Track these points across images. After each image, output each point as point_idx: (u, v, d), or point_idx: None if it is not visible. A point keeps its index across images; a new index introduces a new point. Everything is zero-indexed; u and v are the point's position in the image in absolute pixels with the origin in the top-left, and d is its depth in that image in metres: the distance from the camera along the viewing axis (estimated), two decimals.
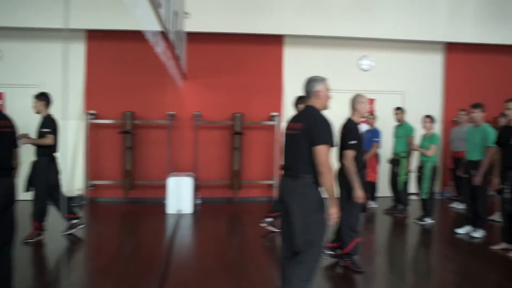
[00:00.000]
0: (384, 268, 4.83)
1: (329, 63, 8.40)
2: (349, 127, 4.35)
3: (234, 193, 8.14)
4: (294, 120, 3.27)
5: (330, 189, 3.00)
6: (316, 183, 3.03)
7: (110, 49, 7.87)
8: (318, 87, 3.22)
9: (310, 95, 3.23)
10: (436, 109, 8.74)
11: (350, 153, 4.20)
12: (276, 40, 8.27)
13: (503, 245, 5.19)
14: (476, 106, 5.83)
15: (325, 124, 3.06)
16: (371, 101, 8.65)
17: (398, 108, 7.23)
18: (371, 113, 8.07)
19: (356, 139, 4.26)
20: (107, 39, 7.78)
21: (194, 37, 7.67)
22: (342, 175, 4.30)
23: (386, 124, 7.82)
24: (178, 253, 5.11)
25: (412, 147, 6.81)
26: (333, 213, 3.02)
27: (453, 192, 8.38)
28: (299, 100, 5.13)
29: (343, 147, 4.24)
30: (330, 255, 4.57)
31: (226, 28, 7.76)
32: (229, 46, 8.18)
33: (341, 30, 8.04)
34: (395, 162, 7.15)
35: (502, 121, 7.02)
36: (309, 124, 3.06)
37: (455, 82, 8.88)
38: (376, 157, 7.58)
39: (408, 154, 7.02)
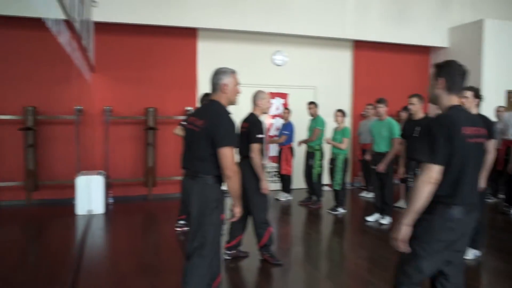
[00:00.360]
0: (300, 259, 4.94)
1: (243, 58, 8.44)
2: (254, 121, 4.37)
3: (149, 191, 7.87)
4: (196, 114, 3.06)
5: (235, 191, 2.92)
6: (217, 183, 2.92)
7: (8, 38, 7.17)
8: (226, 80, 3.00)
9: (217, 89, 3.01)
10: (346, 103, 9.16)
11: (256, 147, 4.24)
12: (189, 33, 8.10)
13: None
14: (380, 101, 6.21)
15: (229, 123, 2.88)
16: (285, 95, 8.84)
17: (311, 103, 7.44)
18: (285, 107, 8.26)
19: (262, 133, 4.31)
20: (3, 27, 7.08)
21: (103, 28, 7.26)
22: (247, 169, 4.31)
23: (299, 118, 8.03)
24: (89, 258, 4.80)
25: (312, 138, 7.09)
26: (237, 212, 2.99)
27: (362, 182, 8.86)
28: (206, 97, 5.00)
29: (249, 141, 4.25)
30: (229, 255, 4.57)
31: (138, 19, 7.42)
32: (141, 38, 7.86)
33: (255, 25, 8.07)
34: (309, 154, 7.37)
35: (403, 115, 7.54)
36: (212, 122, 2.85)
37: (362, 78, 9.38)
38: (290, 150, 7.75)
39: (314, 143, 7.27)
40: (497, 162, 6.80)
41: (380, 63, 9.48)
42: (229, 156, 2.82)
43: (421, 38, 9.49)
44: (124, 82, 7.77)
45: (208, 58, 8.14)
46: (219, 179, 2.95)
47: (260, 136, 4.28)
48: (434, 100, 2.47)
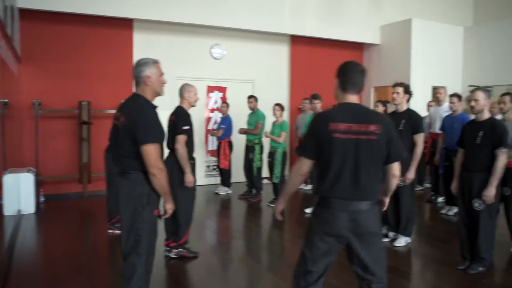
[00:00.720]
0: (241, 252, 4.98)
1: (181, 51, 8.31)
2: (180, 113, 4.32)
3: (84, 188, 7.55)
4: (120, 110, 2.89)
5: (163, 188, 2.82)
6: (147, 178, 2.79)
7: None
8: (148, 71, 2.83)
9: (140, 82, 2.84)
10: (283, 97, 9.31)
11: (182, 138, 4.19)
12: (125, 24, 7.83)
13: None
14: (315, 96, 6.39)
15: (151, 119, 2.74)
16: (223, 89, 8.81)
17: (251, 96, 7.48)
18: (224, 101, 8.24)
19: (188, 125, 4.27)
20: None
21: (31, 15, 6.85)
22: (174, 161, 4.28)
23: (237, 112, 8.06)
24: (20, 261, 4.52)
25: (256, 131, 7.16)
26: (169, 208, 2.92)
27: None
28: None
29: (175, 133, 4.20)
30: (169, 252, 4.52)
31: (69, 8, 7.02)
32: (74, 27, 7.47)
33: (193, 18, 7.94)
34: (249, 148, 7.42)
35: None
36: (132, 119, 2.71)
37: (299, 73, 9.56)
38: (228, 144, 7.77)
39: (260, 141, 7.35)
40: (424, 154, 7.25)
41: (316, 58, 9.71)
42: (152, 153, 2.68)
43: (355, 35, 9.84)
44: (55, 74, 7.37)
45: (145, 50, 7.89)
46: (147, 173, 2.85)
47: (185, 127, 4.23)
48: (337, 98, 2.60)
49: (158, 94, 2.93)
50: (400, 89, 4.88)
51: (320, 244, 2.51)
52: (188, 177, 4.26)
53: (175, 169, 4.26)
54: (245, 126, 7.58)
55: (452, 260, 4.39)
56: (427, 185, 8.25)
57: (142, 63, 2.86)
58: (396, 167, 2.56)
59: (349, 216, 2.40)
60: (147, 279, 2.91)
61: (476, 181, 4.03)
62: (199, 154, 8.45)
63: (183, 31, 8.32)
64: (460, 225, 4.24)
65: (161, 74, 2.94)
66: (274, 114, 6.92)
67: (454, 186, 4.35)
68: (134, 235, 2.81)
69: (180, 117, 4.28)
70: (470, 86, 9.46)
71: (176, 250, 4.49)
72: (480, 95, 4.01)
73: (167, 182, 2.83)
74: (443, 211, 6.52)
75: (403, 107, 4.92)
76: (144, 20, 7.81)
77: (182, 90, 4.43)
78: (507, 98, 4.91)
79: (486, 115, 4.06)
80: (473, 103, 4.04)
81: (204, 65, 8.62)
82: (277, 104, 6.98)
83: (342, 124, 2.38)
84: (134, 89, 2.96)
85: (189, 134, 4.30)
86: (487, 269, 4.14)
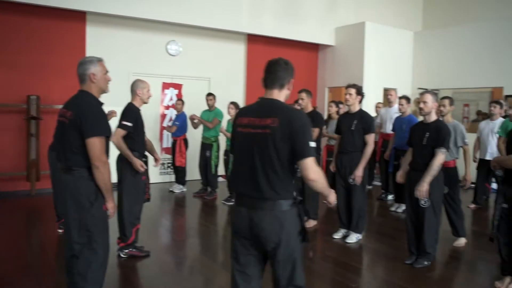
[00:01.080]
0: (197, 251, 4.97)
1: (136, 46, 8.16)
2: (126, 108, 4.27)
3: (32, 185, 7.26)
4: (65, 106, 2.92)
5: (105, 183, 2.82)
6: (92, 175, 2.82)
7: None
8: (93, 69, 2.89)
9: (85, 79, 2.89)
10: (239, 95, 9.34)
11: (119, 132, 4.15)
12: (78, 17, 7.57)
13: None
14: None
15: (97, 113, 2.82)
16: (179, 86, 8.73)
17: (210, 94, 7.45)
18: (179, 98, 8.17)
19: (133, 121, 4.19)
20: None
21: None
22: (121, 160, 4.27)
23: (193, 109, 8.01)
24: None
25: (206, 124, 7.14)
26: (110, 207, 2.91)
27: None
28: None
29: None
30: (124, 252, 4.44)
31: None
32: (24, 18, 7.14)
33: (148, 13, 7.78)
34: (206, 146, 7.39)
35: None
36: (79, 112, 2.76)
37: (256, 71, 9.57)
38: (184, 142, 7.71)
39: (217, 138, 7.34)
40: (374, 153, 7.50)
41: (273, 57, 9.75)
42: (97, 145, 2.73)
43: (311, 36, 10.02)
44: (1, 66, 7.03)
45: (98, 44, 7.71)
46: None
47: (126, 123, 4.15)
48: None
49: (103, 91, 3.00)
50: (353, 91, 5.03)
51: (234, 244, 2.44)
52: (135, 163, 4.20)
53: (125, 168, 4.24)
54: (201, 125, 7.55)
55: (400, 255, 4.57)
56: (377, 183, 8.54)
57: (87, 61, 2.93)
58: (305, 167, 2.23)
59: (247, 212, 2.31)
60: (102, 274, 2.93)
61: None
62: None
63: (138, 26, 8.16)
64: (407, 222, 4.42)
65: (106, 72, 3.01)
66: (229, 113, 6.93)
67: (399, 175, 4.54)
68: (85, 232, 2.80)
69: (124, 112, 4.22)
70: (419, 88, 9.86)
71: (126, 250, 4.41)
72: (429, 98, 4.22)
73: (110, 178, 2.85)
74: (393, 209, 6.78)
75: (356, 108, 5.07)
76: (97, 13, 7.58)
77: (134, 87, 4.33)
78: (446, 101, 5.15)
79: (433, 117, 4.27)
80: (421, 105, 4.24)
81: (159, 61, 8.50)
82: (232, 103, 6.98)
83: (245, 119, 2.37)
84: None
85: (133, 131, 4.21)
86: (432, 263, 4.36)
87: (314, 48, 10.64)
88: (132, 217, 4.35)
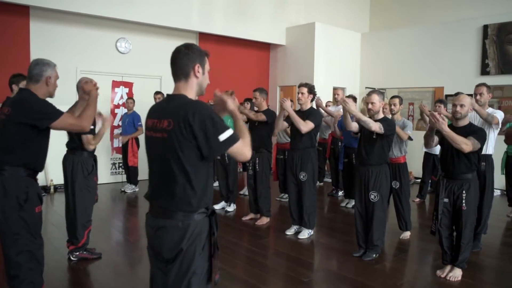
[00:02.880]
0: None
1: (84, 43, 7.92)
2: None
3: None
4: (4, 104, 2.86)
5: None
6: (27, 173, 2.77)
7: None
8: (50, 72, 2.89)
9: (38, 80, 2.85)
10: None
11: (90, 138, 4.09)
12: (21, 11, 7.23)
13: (251, 215, 5.99)
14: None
15: (41, 101, 2.79)
16: (129, 84, 8.57)
17: (159, 93, 7.37)
18: (130, 97, 8.01)
19: (93, 124, 4.09)
20: None
21: None
22: (73, 161, 4.18)
23: (144, 108, 7.86)
24: None
25: None
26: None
27: None
28: (16, 79, 4.51)
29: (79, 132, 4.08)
30: (75, 255, 4.32)
31: None
32: None
33: (96, 9, 7.54)
34: None
35: (247, 107, 7.95)
36: (23, 106, 2.72)
37: None
38: (136, 141, 7.58)
39: None
40: (325, 151, 7.70)
41: (224, 56, 9.80)
42: (66, 122, 2.82)
43: (262, 35, 10.11)
44: None
45: (44, 40, 7.42)
46: (30, 169, 2.81)
47: (92, 127, 4.04)
48: None
49: (51, 95, 2.97)
50: (305, 89, 5.14)
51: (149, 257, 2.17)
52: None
53: (76, 169, 4.14)
54: None
55: (350, 249, 4.73)
56: (328, 180, 8.76)
57: (45, 63, 2.90)
58: (234, 155, 2.03)
59: (153, 221, 2.08)
60: (38, 273, 2.86)
61: (371, 174, 4.39)
62: (104, 151, 8.15)
63: (86, 22, 7.91)
64: (356, 216, 4.59)
65: (58, 77, 2.99)
66: None
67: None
68: (12, 235, 2.73)
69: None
70: (367, 88, 10.20)
71: (76, 253, 4.29)
72: (376, 98, 4.40)
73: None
74: (343, 204, 6.98)
75: (307, 106, 5.19)
76: (42, 8, 7.27)
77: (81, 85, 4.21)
78: (397, 100, 5.39)
79: (380, 115, 4.45)
80: (370, 106, 4.41)
81: (109, 59, 8.29)
82: None
83: (150, 120, 2.11)
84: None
85: (94, 133, 4.16)
86: (379, 255, 4.55)
87: (265, 47, 10.75)
88: (85, 219, 4.25)
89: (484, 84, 4.78)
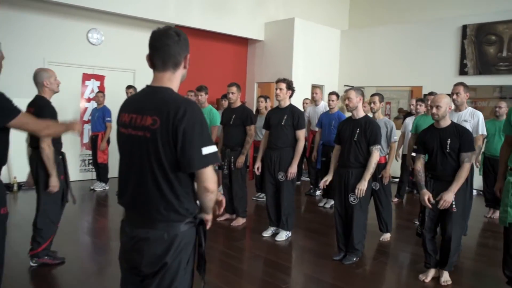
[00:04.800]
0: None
1: (53, 33, 7.55)
2: (43, 105, 3.69)
3: None
4: None
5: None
6: None
7: None
8: None
9: None
10: None
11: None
12: None
13: (226, 216, 5.76)
14: (200, 88, 6.22)
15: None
16: (101, 77, 8.20)
17: (130, 87, 7.04)
18: (101, 90, 7.65)
19: (55, 118, 3.72)
20: None
21: None
22: (39, 161, 3.77)
23: (115, 103, 7.55)
24: None
25: None
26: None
27: None
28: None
29: None
30: (35, 260, 4.00)
31: None
32: None
33: None
34: None
35: (224, 103, 7.72)
36: None
37: None
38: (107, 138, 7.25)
39: None
40: (304, 149, 7.51)
41: (200, 51, 9.52)
42: (24, 123, 2.48)
43: (240, 30, 9.87)
44: None
45: (10, 29, 6.99)
46: None
47: None
48: None
49: None
50: (283, 85, 4.93)
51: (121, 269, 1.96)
52: (53, 181, 3.75)
53: (39, 168, 3.78)
54: None
55: (329, 252, 4.56)
56: (306, 179, 8.60)
57: None
58: (202, 177, 1.75)
59: (130, 231, 1.84)
60: None
61: (352, 176, 4.21)
62: (73, 148, 7.77)
63: (56, 11, 7.51)
64: (336, 218, 4.41)
65: (3, 58, 2.75)
66: None
67: (324, 180, 4.52)
68: None
69: (42, 110, 3.64)
70: (346, 86, 10.10)
71: (37, 258, 3.98)
72: (352, 94, 4.24)
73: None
74: (321, 204, 6.82)
75: (286, 103, 4.98)
76: None
77: (39, 77, 3.80)
78: (376, 98, 5.24)
79: (361, 113, 4.29)
80: (347, 102, 4.28)
81: (79, 50, 7.91)
82: None
83: (126, 115, 1.84)
84: None
85: None
86: (360, 258, 4.39)
87: (243, 42, 10.51)
88: (47, 222, 3.92)
89: (461, 84, 4.66)
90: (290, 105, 5.02)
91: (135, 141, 1.78)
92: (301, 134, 4.92)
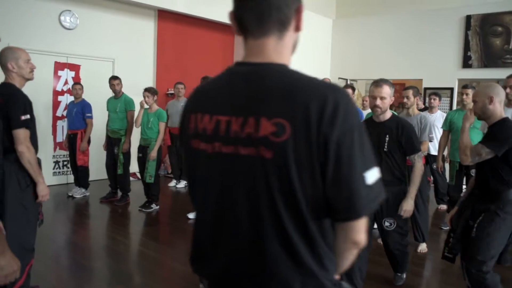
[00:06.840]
0: (105, 278, 3.79)
1: (19, 14, 6.51)
2: (12, 94, 2.80)
3: None
4: None
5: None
6: None
7: None
8: None
9: None
10: (148, 80, 8.08)
11: (23, 134, 2.75)
12: None
13: None
14: (179, 83, 5.56)
15: None
16: (76, 67, 7.23)
17: (116, 78, 6.12)
18: (77, 82, 6.66)
19: (28, 112, 2.81)
20: None
21: None
22: (8, 169, 2.77)
23: (93, 95, 6.66)
24: None
25: (137, 125, 5.87)
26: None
27: (168, 170, 8.00)
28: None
29: (11, 126, 2.72)
30: None
31: None
32: None
33: None
34: (114, 141, 6.08)
35: None
36: None
37: (167, 53, 8.42)
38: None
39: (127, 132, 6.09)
40: None
41: (185, 38, 8.67)
42: None
43: (227, 16, 9.03)
44: None
45: None
46: None
47: (25, 117, 2.77)
48: None
49: None
50: None
51: None
52: (42, 189, 2.89)
53: (9, 180, 2.77)
54: (104, 113, 6.26)
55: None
56: None
57: None
58: (356, 226, 1.04)
59: None
60: None
61: (391, 196, 3.23)
62: (45, 147, 6.78)
63: None
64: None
65: None
66: (146, 102, 5.72)
67: None
68: None
69: (13, 101, 2.77)
70: (340, 78, 9.50)
71: None
72: (387, 90, 3.24)
73: None
74: None
75: None
76: None
77: (5, 58, 2.85)
78: (410, 92, 4.65)
79: (388, 114, 3.33)
80: (378, 101, 3.21)
81: (51, 35, 6.88)
82: (147, 89, 5.76)
83: (207, 118, 1.11)
84: None
85: (31, 125, 2.86)
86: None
87: (231, 30, 9.65)
88: (20, 249, 2.86)
89: None
90: None
91: (235, 166, 1.03)
92: None
